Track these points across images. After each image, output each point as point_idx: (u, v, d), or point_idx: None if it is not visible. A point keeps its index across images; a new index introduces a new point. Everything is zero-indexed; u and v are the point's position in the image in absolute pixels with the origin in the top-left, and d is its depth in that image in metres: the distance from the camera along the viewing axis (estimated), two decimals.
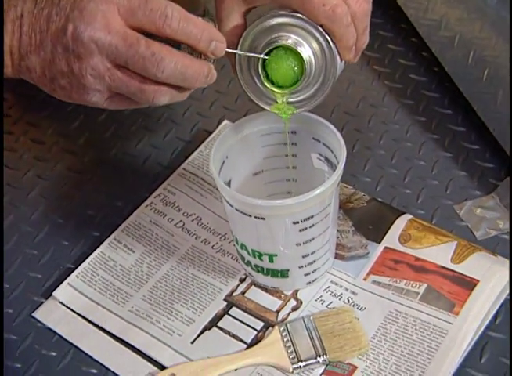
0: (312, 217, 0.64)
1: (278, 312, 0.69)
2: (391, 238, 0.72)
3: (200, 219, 0.76)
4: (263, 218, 0.64)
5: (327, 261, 0.70)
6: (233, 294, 0.70)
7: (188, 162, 0.80)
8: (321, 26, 0.61)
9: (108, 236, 0.75)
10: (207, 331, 0.68)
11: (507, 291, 0.68)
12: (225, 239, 0.74)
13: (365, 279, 0.70)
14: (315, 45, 0.61)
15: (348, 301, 0.69)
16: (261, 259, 0.68)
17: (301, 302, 0.69)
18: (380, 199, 0.76)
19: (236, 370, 0.65)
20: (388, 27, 0.91)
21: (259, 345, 0.66)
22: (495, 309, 0.67)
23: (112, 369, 0.67)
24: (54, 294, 0.71)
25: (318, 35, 0.61)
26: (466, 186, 0.77)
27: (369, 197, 0.76)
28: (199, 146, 0.81)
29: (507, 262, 0.69)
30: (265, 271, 0.69)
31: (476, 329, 0.65)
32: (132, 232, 0.75)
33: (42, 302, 0.71)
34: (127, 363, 0.67)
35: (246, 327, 0.68)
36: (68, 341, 0.68)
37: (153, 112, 0.85)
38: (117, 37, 0.57)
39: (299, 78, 0.62)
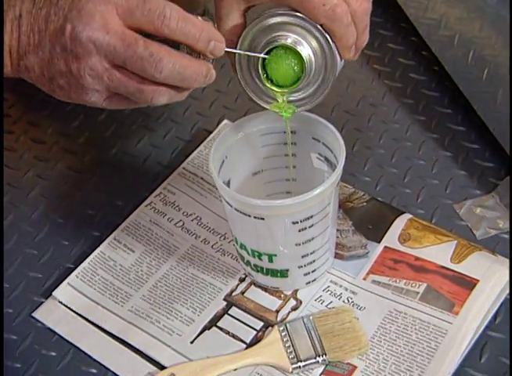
0: (312, 217, 0.64)
1: (277, 311, 0.69)
2: (391, 238, 0.72)
3: (200, 219, 0.76)
4: (262, 218, 0.64)
5: (327, 260, 0.70)
6: (233, 294, 0.70)
7: (188, 162, 0.80)
8: (321, 25, 0.60)
9: (108, 236, 0.75)
10: (206, 331, 0.68)
11: (507, 291, 0.68)
12: (224, 238, 0.74)
13: (364, 278, 0.70)
14: (314, 44, 0.61)
15: (348, 300, 0.69)
16: (260, 259, 0.68)
17: (301, 302, 0.69)
18: (379, 198, 0.76)
19: (235, 370, 0.65)
20: (388, 26, 0.91)
21: (259, 344, 0.66)
22: (495, 309, 0.67)
23: (111, 369, 0.67)
24: (54, 293, 0.71)
25: (318, 34, 0.61)
26: (466, 185, 0.77)
27: (368, 197, 0.76)
28: (199, 145, 0.81)
29: (507, 261, 0.69)
30: (264, 271, 0.69)
31: (476, 329, 0.65)
32: (132, 231, 0.75)
33: (42, 302, 0.71)
34: (126, 362, 0.67)
35: (245, 326, 0.68)
36: (68, 341, 0.69)
37: (153, 111, 0.85)
38: (115, 37, 0.57)
39: (299, 77, 0.62)
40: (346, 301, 0.69)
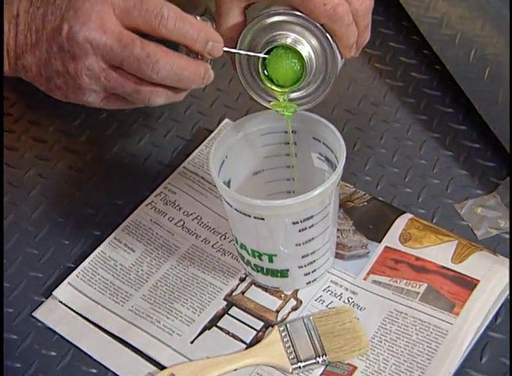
0: (312, 217, 0.64)
1: (278, 311, 0.69)
2: (392, 238, 0.72)
3: (201, 218, 0.75)
4: (262, 219, 0.64)
5: (327, 260, 0.70)
6: (233, 294, 0.70)
7: (188, 161, 0.80)
8: (321, 25, 0.60)
9: (108, 236, 0.75)
10: (206, 331, 0.68)
11: (508, 291, 0.67)
12: (225, 238, 0.74)
13: (365, 278, 0.70)
14: (315, 43, 0.61)
15: (348, 301, 0.69)
16: (260, 259, 0.68)
17: (301, 302, 0.69)
18: (380, 198, 0.76)
19: (235, 370, 0.65)
20: (390, 24, 0.91)
21: (259, 345, 0.66)
22: (496, 309, 0.67)
23: (112, 369, 0.67)
24: (54, 293, 0.71)
25: (318, 34, 0.61)
26: (468, 184, 0.77)
27: (369, 196, 0.76)
28: (199, 144, 0.81)
29: (508, 261, 0.69)
30: (264, 271, 0.69)
31: (476, 329, 0.65)
32: (133, 231, 0.75)
33: (42, 302, 0.71)
34: (126, 362, 0.67)
35: (245, 326, 0.68)
36: (68, 341, 0.68)
37: (153, 110, 0.85)
38: (112, 37, 0.56)
39: (300, 77, 0.62)
40: (346, 301, 0.69)
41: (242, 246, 0.68)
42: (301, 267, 0.68)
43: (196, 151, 0.81)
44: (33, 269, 0.74)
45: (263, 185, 0.71)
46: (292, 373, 0.65)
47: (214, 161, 0.65)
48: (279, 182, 0.72)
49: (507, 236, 0.72)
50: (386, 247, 0.71)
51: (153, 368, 0.66)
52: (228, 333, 0.68)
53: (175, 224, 0.75)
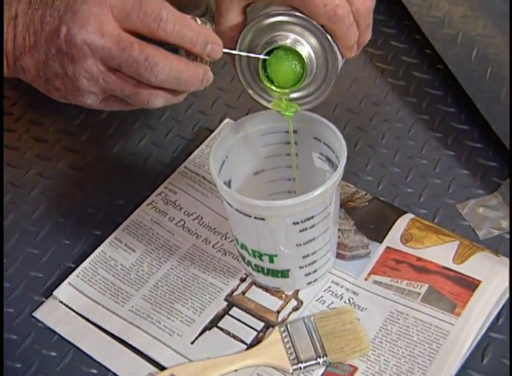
0: (313, 217, 0.64)
1: (278, 312, 0.68)
2: (393, 238, 0.72)
3: (201, 218, 0.75)
4: (263, 219, 0.64)
5: (328, 261, 0.70)
6: (234, 294, 0.70)
7: (189, 160, 0.80)
8: (322, 25, 0.60)
9: (109, 235, 0.75)
10: (207, 332, 0.68)
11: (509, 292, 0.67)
12: (225, 238, 0.74)
13: (366, 279, 0.70)
14: (315, 43, 0.61)
15: (349, 301, 0.68)
16: (261, 259, 0.67)
17: (302, 302, 0.69)
18: (382, 198, 0.75)
19: (236, 371, 0.65)
20: (392, 23, 0.91)
21: (259, 345, 0.66)
22: (498, 310, 0.67)
23: (112, 369, 0.66)
24: (54, 293, 0.71)
25: (318, 34, 0.60)
26: (469, 184, 0.76)
27: (370, 196, 0.75)
28: (200, 144, 0.81)
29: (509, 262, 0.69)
30: (265, 271, 0.68)
31: (478, 330, 0.65)
32: (133, 231, 0.75)
33: (43, 302, 0.71)
34: (127, 363, 0.66)
35: (246, 327, 0.68)
36: (68, 341, 0.68)
37: (154, 110, 0.84)
38: (110, 40, 0.56)
39: (300, 78, 0.61)
40: (347, 301, 0.68)
41: (242, 246, 0.68)
42: (301, 267, 0.68)
43: (196, 151, 0.81)
44: (33, 269, 0.74)
45: (264, 185, 0.71)
46: (292, 374, 0.64)
47: (215, 161, 0.65)
48: (279, 182, 0.71)
49: (509, 236, 0.72)
50: (387, 247, 0.71)
51: (153, 369, 0.66)
52: (228, 333, 0.67)
53: (176, 224, 0.75)
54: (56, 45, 0.57)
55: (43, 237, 0.76)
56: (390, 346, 0.65)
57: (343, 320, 0.67)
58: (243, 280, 0.71)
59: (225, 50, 0.60)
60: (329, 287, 0.69)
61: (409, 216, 0.73)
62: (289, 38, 0.60)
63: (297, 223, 0.64)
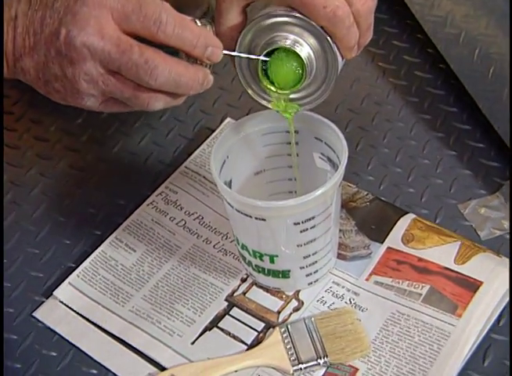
0: (314, 218, 0.64)
1: (279, 312, 0.68)
2: (394, 238, 0.71)
3: (202, 218, 0.75)
4: (264, 219, 0.63)
5: (329, 261, 0.69)
6: (234, 295, 0.70)
7: (190, 160, 0.79)
8: (322, 27, 0.59)
9: (109, 235, 0.74)
10: (207, 332, 0.67)
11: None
12: (226, 238, 0.73)
13: (367, 279, 0.69)
14: (315, 45, 0.60)
15: (350, 302, 0.68)
16: (261, 260, 0.67)
17: (303, 303, 0.68)
18: (383, 198, 0.75)
19: (236, 371, 0.65)
20: (394, 23, 0.90)
21: (260, 346, 0.66)
22: (499, 311, 0.67)
23: (112, 369, 0.66)
24: (55, 293, 0.70)
25: (318, 36, 0.60)
26: (471, 185, 0.76)
27: (372, 196, 0.75)
28: (201, 143, 0.81)
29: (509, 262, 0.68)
30: (266, 271, 0.68)
31: (479, 331, 0.65)
32: (134, 231, 0.75)
33: (43, 302, 0.71)
34: (127, 363, 0.66)
35: (246, 327, 0.68)
36: (68, 341, 0.68)
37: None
38: (110, 43, 0.56)
39: (300, 79, 0.61)
40: (348, 302, 0.68)
41: (243, 246, 0.68)
42: (302, 268, 0.68)
43: (197, 150, 0.80)
44: (33, 269, 0.73)
45: (265, 185, 0.71)
46: (293, 374, 0.64)
47: (215, 161, 0.65)
48: (280, 182, 0.71)
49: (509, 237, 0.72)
50: (388, 247, 0.71)
51: (153, 369, 0.66)
52: (229, 334, 0.67)
53: (177, 224, 0.75)
54: (56, 47, 0.57)
55: (43, 237, 0.76)
56: (391, 347, 0.65)
57: (344, 321, 0.66)
58: (243, 281, 0.71)
59: (225, 52, 0.60)
60: (330, 287, 0.69)
61: (410, 216, 0.73)
62: (288, 39, 0.60)
63: (298, 224, 0.64)
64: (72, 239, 0.75)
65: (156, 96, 0.58)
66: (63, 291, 0.71)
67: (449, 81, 0.84)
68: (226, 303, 0.69)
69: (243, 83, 0.63)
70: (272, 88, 0.62)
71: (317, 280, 0.69)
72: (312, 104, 0.63)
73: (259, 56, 0.61)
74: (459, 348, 0.64)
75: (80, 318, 0.69)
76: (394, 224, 0.72)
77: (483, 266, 0.68)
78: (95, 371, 0.67)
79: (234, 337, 0.67)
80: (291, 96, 0.63)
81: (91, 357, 0.67)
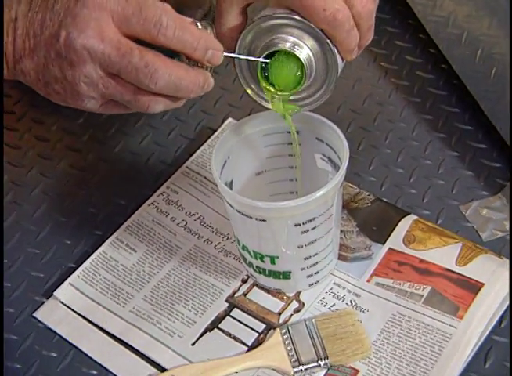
0: (314, 219, 0.64)
1: (280, 314, 0.68)
2: (396, 239, 0.71)
3: (203, 219, 0.75)
4: (264, 220, 0.63)
5: (330, 262, 0.69)
6: (235, 296, 0.70)
7: (191, 160, 0.79)
8: (321, 30, 0.59)
9: (110, 235, 0.74)
10: (208, 333, 0.67)
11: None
12: (227, 239, 0.73)
13: (368, 281, 0.69)
14: (314, 47, 0.60)
15: (351, 303, 0.68)
16: (262, 261, 0.67)
17: (304, 304, 0.68)
18: (384, 199, 0.75)
19: (236, 372, 0.65)
20: (396, 23, 0.90)
21: (260, 347, 0.66)
22: (501, 313, 0.66)
23: (112, 370, 0.66)
24: (55, 293, 0.70)
25: (317, 38, 0.60)
26: (473, 186, 0.76)
27: (373, 197, 0.75)
28: (203, 144, 0.81)
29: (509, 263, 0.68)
30: (266, 272, 0.68)
31: (480, 333, 0.65)
32: (134, 231, 0.74)
33: (43, 302, 0.71)
34: (127, 364, 0.66)
35: (247, 328, 0.67)
36: (68, 342, 0.68)
37: None
38: (110, 45, 0.56)
39: (300, 81, 0.61)
40: (349, 303, 0.68)
41: (244, 247, 0.68)
42: (303, 269, 0.67)
43: (199, 150, 0.80)
44: (34, 269, 0.73)
45: (266, 185, 0.71)
46: None
47: (216, 162, 0.65)
48: (281, 183, 0.71)
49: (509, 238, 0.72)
50: (390, 248, 0.71)
51: (153, 370, 0.66)
52: (229, 335, 0.67)
53: (178, 224, 0.75)
54: (56, 50, 0.57)
55: (44, 237, 0.76)
56: (392, 349, 0.65)
57: (344, 322, 0.66)
58: (244, 282, 0.70)
59: (226, 54, 0.60)
60: (331, 288, 0.69)
61: (412, 217, 0.73)
62: (288, 41, 0.60)
63: (299, 225, 0.64)
64: (73, 239, 0.75)
65: (156, 99, 0.58)
66: (63, 292, 0.70)
67: (451, 81, 0.84)
68: (227, 304, 0.69)
69: (243, 83, 0.63)
70: (272, 89, 0.62)
71: (318, 282, 0.69)
72: (313, 105, 0.63)
73: (259, 57, 0.61)
74: (460, 350, 0.64)
75: (80, 319, 0.69)
76: (396, 225, 0.72)
77: (484, 268, 0.68)
78: (95, 372, 0.67)
79: (235, 338, 0.67)
80: (292, 97, 0.62)
81: (91, 358, 0.67)
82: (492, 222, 0.73)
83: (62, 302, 0.70)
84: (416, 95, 0.84)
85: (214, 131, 0.82)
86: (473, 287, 0.67)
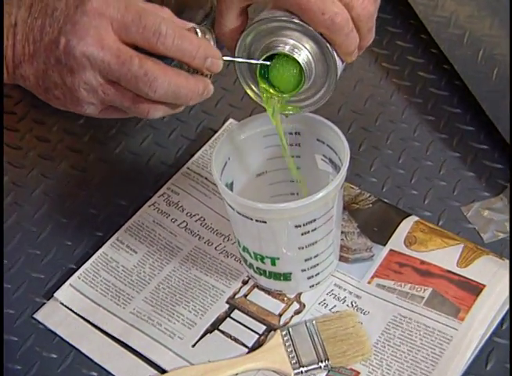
0: (315, 220, 0.63)
1: (280, 315, 0.68)
2: (397, 241, 0.71)
3: (204, 220, 0.75)
4: (264, 222, 0.63)
5: (331, 264, 0.69)
6: (236, 297, 0.69)
7: (192, 161, 0.79)
8: (321, 33, 0.59)
9: (111, 236, 0.74)
10: (208, 334, 0.67)
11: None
12: (228, 240, 0.73)
13: (369, 282, 0.69)
14: (314, 49, 0.60)
15: (352, 304, 0.68)
16: (263, 262, 0.67)
17: (304, 306, 0.68)
18: (386, 200, 0.75)
19: (236, 374, 0.64)
20: (397, 23, 0.90)
21: (260, 349, 0.65)
22: (502, 315, 0.66)
23: (112, 372, 0.66)
24: (55, 295, 0.70)
25: (317, 41, 0.59)
26: (474, 187, 0.76)
27: (374, 198, 0.75)
28: (204, 144, 0.81)
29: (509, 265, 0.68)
30: (267, 274, 0.68)
31: (481, 335, 0.64)
32: (135, 232, 0.74)
33: (44, 303, 0.71)
34: (127, 366, 0.66)
35: (248, 330, 0.67)
36: (69, 343, 0.68)
37: None
38: (109, 53, 0.56)
39: (299, 83, 0.61)
40: (350, 305, 0.68)
41: (244, 249, 0.67)
42: (304, 270, 0.67)
43: (200, 151, 0.80)
44: (35, 270, 0.73)
45: (266, 187, 0.71)
46: None
47: (217, 163, 0.65)
48: (282, 184, 0.71)
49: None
50: (391, 250, 0.71)
51: (153, 372, 0.66)
52: (230, 336, 0.67)
53: (178, 225, 0.75)
54: (55, 56, 0.57)
55: (45, 238, 0.76)
56: (392, 351, 0.65)
57: (345, 324, 0.66)
58: (245, 283, 0.70)
59: (225, 58, 0.60)
60: (332, 290, 0.69)
61: (413, 219, 0.72)
62: (287, 44, 0.59)
63: (299, 226, 0.63)
64: (73, 240, 0.75)
65: (155, 106, 0.59)
66: (63, 293, 0.70)
67: (453, 81, 0.83)
68: (227, 305, 0.69)
69: (243, 84, 0.63)
70: (272, 91, 0.62)
71: (319, 283, 0.69)
72: (313, 107, 0.63)
73: (258, 60, 0.60)
74: (461, 352, 0.64)
75: (80, 320, 0.69)
76: (397, 226, 0.72)
77: (486, 269, 0.68)
78: (95, 373, 0.66)
79: (235, 339, 0.67)
80: (291, 99, 0.62)
81: (91, 359, 0.67)
82: (494, 224, 0.72)
83: (62, 303, 0.70)
84: (417, 95, 0.84)
85: (215, 131, 0.82)
86: (474, 289, 0.67)
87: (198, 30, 0.58)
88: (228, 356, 0.66)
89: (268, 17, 0.59)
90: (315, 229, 0.64)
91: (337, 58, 0.60)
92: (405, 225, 0.72)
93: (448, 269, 0.68)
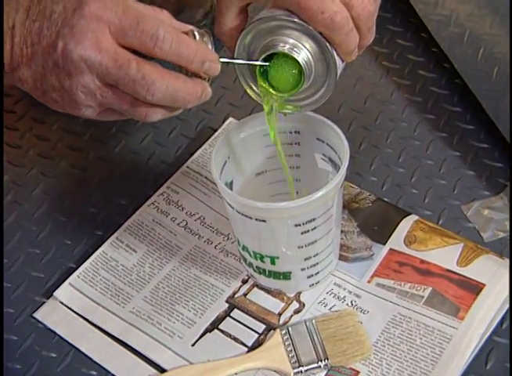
0: (314, 219, 0.63)
1: (280, 314, 0.68)
2: (397, 240, 0.71)
3: (204, 219, 0.75)
4: (264, 221, 0.63)
5: (331, 263, 0.69)
6: (235, 296, 0.69)
7: (192, 160, 0.79)
8: (320, 32, 0.59)
9: (110, 235, 0.74)
10: (208, 334, 0.67)
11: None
12: (228, 239, 0.73)
13: (369, 281, 0.69)
14: (313, 49, 0.60)
15: (352, 304, 0.68)
16: (262, 261, 0.67)
17: (304, 305, 0.68)
18: (385, 199, 0.74)
19: (236, 374, 0.64)
20: (397, 21, 0.90)
21: (260, 348, 0.65)
22: (502, 314, 0.66)
23: (112, 371, 0.66)
24: (55, 294, 0.70)
25: (316, 40, 0.59)
26: (475, 186, 0.75)
27: (374, 197, 0.75)
28: (203, 143, 0.81)
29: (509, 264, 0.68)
30: (267, 273, 0.68)
31: (481, 334, 0.64)
32: (135, 231, 0.74)
33: (43, 302, 0.70)
34: (126, 365, 0.66)
35: (247, 329, 0.67)
36: (68, 342, 0.68)
37: None
38: (107, 57, 0.56)
39: (299, 83, 0.61)
40: (350, 304, 0.68)
41: (244, 248, 0.67)
42: (303, 269, 0.67)
43: (199, 150, 0.80)
44: (34, 269, 0.73)
45: (266, 186, 0.71)
46: None
47: (216, 163, 0.65)
48: (282, 183, 0.71)
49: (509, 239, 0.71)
50: (390, 249, 0.70)
51: (153, 371, 0.66)
52: (229, 336, 0.67)
53: (178, 224, 0.75)
54: (53, 60, 0.57)
55: (44, 237, 0.76)
56: (392, 350, 0.65)
57: (345, 323, 0.66)
58: (244, 282, 0.70)
59: (223, 60, 0.59)
60: (332, 289, 0.69)
61: (413, 218, 0.72)
62: (287, 44, 0.59)
63: (299, 225, 0.63)
64: (73, 239, 0.75)
65: (153, 110, 0.59)
66: (63, 292, 0.70)
67: (453, 80, 0.83)
68: (227, 305, 0.69)
69: (243, 83, 0.63)
70: (271, 90, 0.62)
71: (318, 282, 0.69)
72: (312, 106, 0.63)
73: (257, 60, 0.60)
74: (461, 352, 0.63)
75: (80, 319, 0.69)
76: (397, 225, 0.72)
77: (486, 269, 0.68)
78: (94, 372, 0.66)
79: (235, 339, 0.67)
80: (291, 98, 0.62)
81: (91, 358, 0.67)
82: (494, 223, 0.72)
83: (62, 303, 0.70)
84: (417, 94, 0.83)
85: (215, 130, 0.81)
86: (474, 288, 0.67)
87: (196, 33, 0.58)
88: (227, 355, 0.66)
89: (267, 16, 0.59)
90: (314, 228, 0.64)
91: (336, 57, 0.60)
92: (405, 224, 0.72)
93: (448, 268, 0.68)
